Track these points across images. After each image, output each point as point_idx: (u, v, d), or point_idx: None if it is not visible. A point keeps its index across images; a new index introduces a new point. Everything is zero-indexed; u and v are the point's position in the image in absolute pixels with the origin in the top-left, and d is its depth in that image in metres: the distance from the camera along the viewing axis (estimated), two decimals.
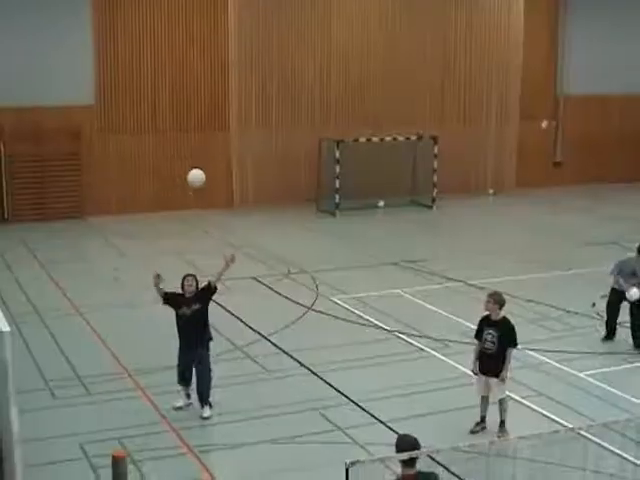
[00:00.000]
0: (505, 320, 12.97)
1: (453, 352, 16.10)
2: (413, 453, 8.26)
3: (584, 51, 33.17)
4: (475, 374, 13.13)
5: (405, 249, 24.12)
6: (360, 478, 8.22)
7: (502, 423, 12.86)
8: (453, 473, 10.78)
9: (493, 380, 12.83)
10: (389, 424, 13.04)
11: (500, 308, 12.95)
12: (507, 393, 13.10)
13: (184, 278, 13.44)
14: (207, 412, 13.34)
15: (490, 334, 12.83)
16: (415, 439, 8.44)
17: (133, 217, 27.46)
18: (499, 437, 12.48)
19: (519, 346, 13.30)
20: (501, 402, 12.91)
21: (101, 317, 18.10)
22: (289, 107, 29.57)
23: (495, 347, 12.80)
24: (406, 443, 8.42)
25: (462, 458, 10.37)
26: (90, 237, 25.55)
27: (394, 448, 8.47)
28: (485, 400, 13.04)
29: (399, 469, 8.36)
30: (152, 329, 16.92)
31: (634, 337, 16.51)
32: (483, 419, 13.06)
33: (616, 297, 16.70)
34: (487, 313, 13.04)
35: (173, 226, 26.85)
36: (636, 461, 11.60)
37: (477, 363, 13.04)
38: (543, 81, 33.39)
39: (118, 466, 9.61)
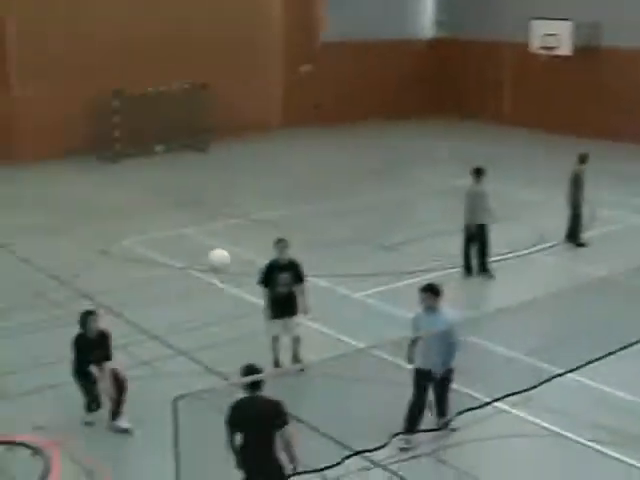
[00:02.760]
0: (292, 260, 13.40)
1: (244, 284, 16.63)
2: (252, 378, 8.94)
3: None
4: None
5: (184, 190, 24.80)
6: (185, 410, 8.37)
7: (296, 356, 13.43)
8: None
9: (292, 320, 13.32)
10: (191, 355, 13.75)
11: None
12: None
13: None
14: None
15: (284, 277, 13.23)
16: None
17: None
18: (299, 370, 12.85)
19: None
20: (297, 339, 13.47)
21: None
22: (70, 57, 28.74)
23: (288, 288, 13.21)
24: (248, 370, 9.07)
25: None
26: None
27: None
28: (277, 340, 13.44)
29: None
30: None
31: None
32: (277, 362, 13.40)
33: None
34: (276, 258, 13.32)
35: None
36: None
37: (269, 310, 13.28)
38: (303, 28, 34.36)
39: None
